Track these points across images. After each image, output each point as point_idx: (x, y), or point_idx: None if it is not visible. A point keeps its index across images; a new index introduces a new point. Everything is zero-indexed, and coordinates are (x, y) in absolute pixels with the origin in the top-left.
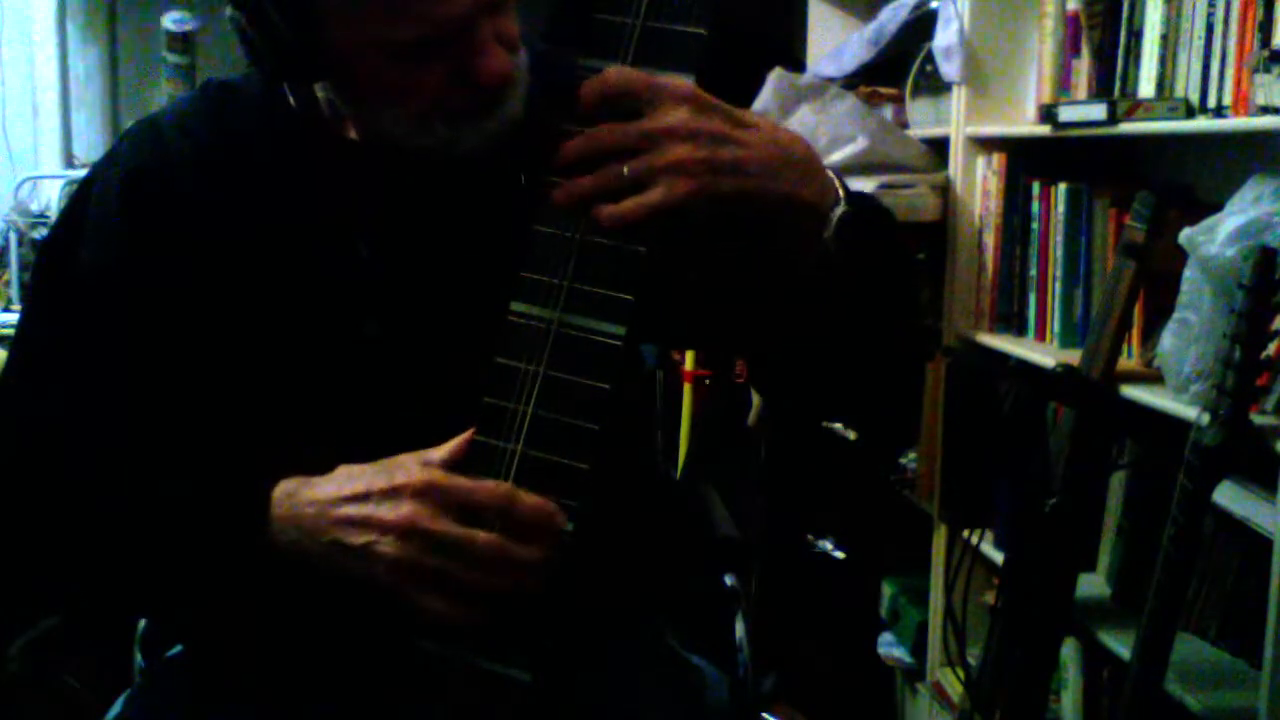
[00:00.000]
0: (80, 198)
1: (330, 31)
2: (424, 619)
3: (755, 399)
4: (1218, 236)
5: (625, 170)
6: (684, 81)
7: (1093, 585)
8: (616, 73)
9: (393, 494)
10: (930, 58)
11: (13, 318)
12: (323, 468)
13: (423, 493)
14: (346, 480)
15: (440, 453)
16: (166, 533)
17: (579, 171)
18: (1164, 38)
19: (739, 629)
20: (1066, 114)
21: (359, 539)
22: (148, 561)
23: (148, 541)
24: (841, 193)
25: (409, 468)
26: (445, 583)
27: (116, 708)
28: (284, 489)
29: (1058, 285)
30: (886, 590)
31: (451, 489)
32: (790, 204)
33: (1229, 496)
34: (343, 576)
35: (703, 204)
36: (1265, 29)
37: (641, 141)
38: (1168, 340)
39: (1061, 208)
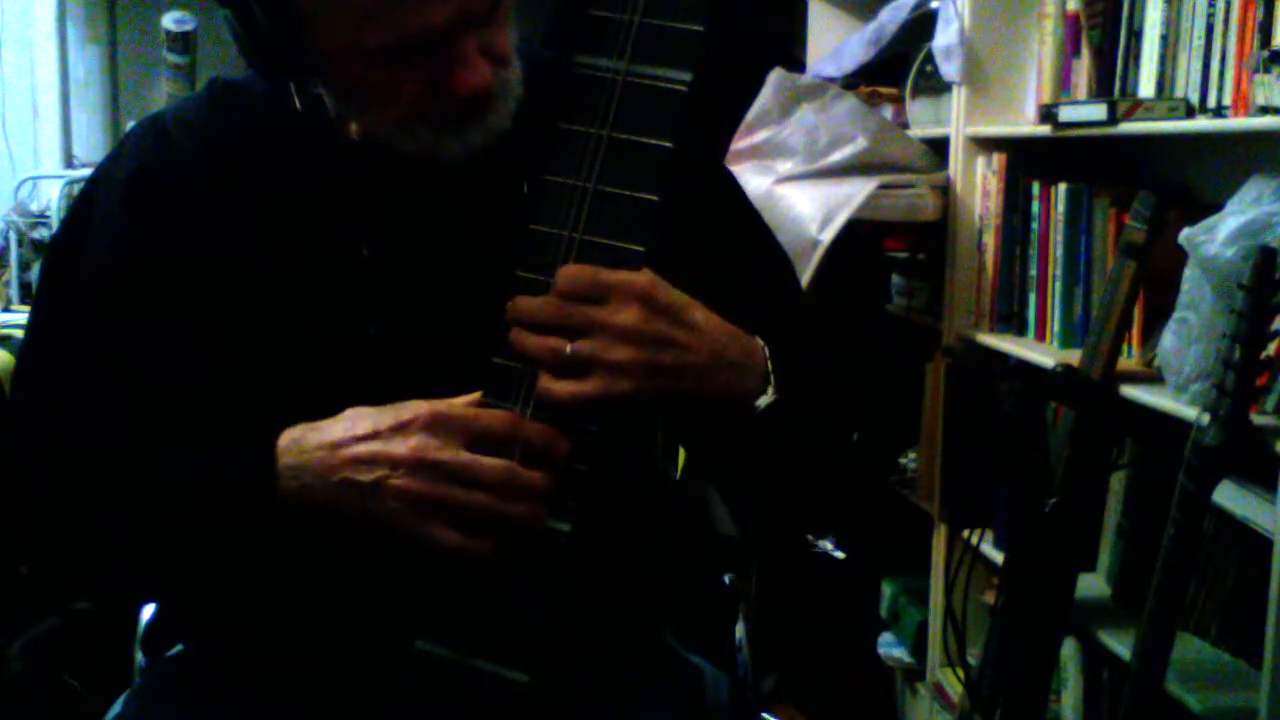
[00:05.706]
0: (86, 195)
1: (313, 32)
2: (438, 553)
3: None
4: (1218, 236)
5: (569, 350)
6: (639, 277)
7: (1093, 585)
8: (568, 273)
9: (401, 429)
10: (930, 58)
11: (12, 317)
12: None
13: (430, 424)
14: (355, 421)
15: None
16: (176, 494)
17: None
18: (1164, 38)
19: (739, 629)
20: (1066, 114)
21: (370, 475)
22: (160, 525)
23: (158, 507)
24: (773, 381)
25: (416, 405)
26: (457, 513)
27: (116, 708)
28: (290, 437)
29: (1058, 285)
30: (886, 590)
31: (458, 417)
32: (717, 402)
33: (1229, 496)
34: (353, 518)
35: (636, 401)
36: (1265, 29)
37: (589, 328)
38: (1168, 340)
39: (1061, 208)
